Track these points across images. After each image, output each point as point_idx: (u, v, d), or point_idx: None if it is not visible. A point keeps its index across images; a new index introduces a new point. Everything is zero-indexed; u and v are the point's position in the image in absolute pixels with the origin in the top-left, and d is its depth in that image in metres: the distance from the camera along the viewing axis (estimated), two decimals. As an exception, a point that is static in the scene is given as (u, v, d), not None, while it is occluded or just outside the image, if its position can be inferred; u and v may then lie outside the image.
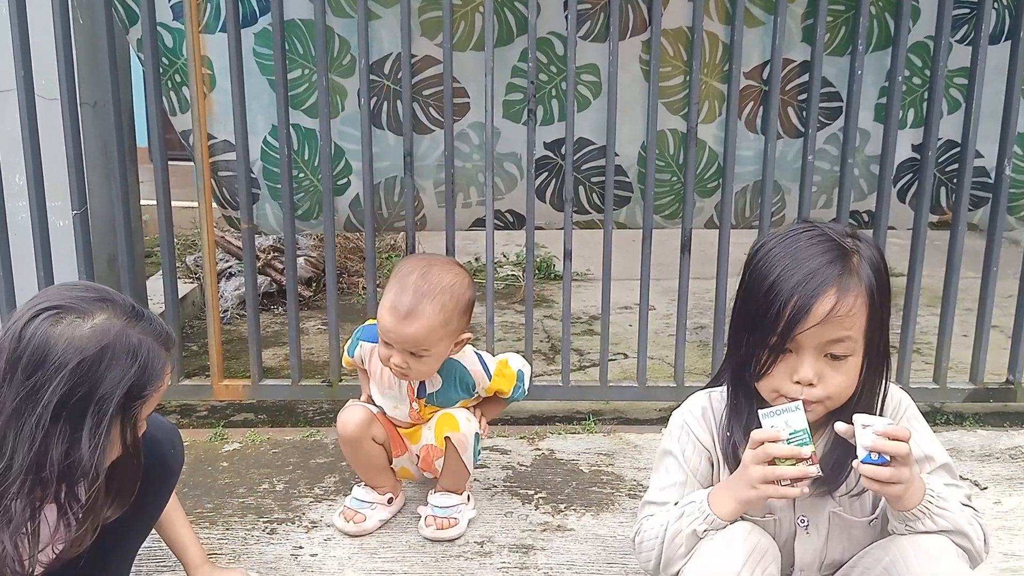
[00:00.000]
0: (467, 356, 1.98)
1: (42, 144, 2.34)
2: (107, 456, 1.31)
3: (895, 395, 1.49)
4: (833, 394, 1.36)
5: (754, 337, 1.36)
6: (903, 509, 1.33)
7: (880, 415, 1.41)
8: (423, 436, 1.99)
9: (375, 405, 2.03)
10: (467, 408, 2.01)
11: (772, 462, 1.32)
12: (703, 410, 1.51)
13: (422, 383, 1.96)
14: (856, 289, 1.32)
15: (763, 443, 1.31)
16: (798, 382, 1.34)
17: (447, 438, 1.93)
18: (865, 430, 1.29)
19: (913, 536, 1.35)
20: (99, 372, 1.25)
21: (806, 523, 1.46)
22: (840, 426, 1.32)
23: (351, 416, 1.97)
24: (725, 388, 1.50)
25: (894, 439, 1.27)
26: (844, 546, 1.46)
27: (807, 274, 1.31)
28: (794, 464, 1.31)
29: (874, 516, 1.45)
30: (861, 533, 1.46)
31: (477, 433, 1.98)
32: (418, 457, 2.00)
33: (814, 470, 1.32)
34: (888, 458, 1.27)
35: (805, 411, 1.33)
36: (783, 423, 1.31)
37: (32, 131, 2.30)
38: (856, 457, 1.29)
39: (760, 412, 1.33)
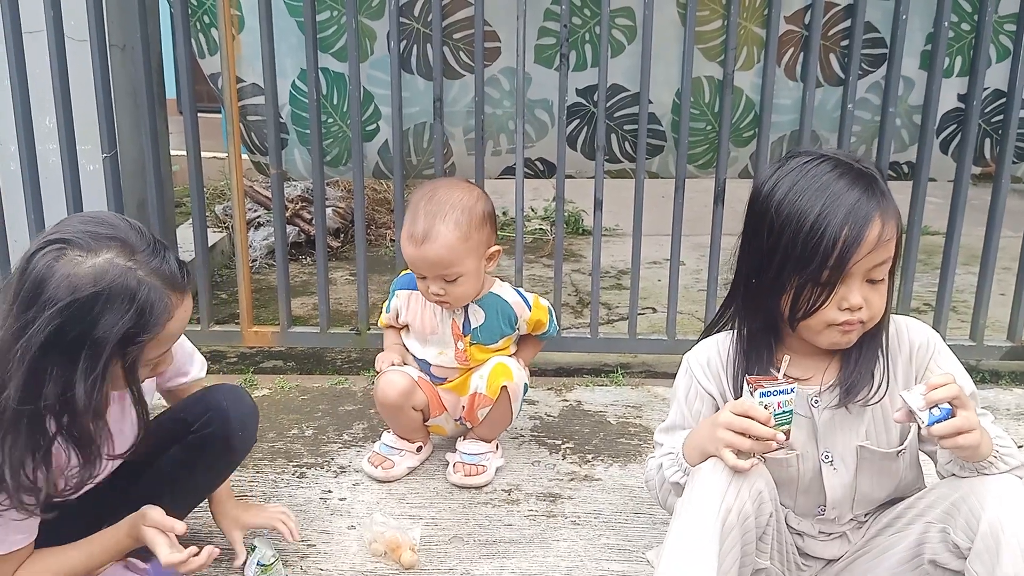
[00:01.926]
0: (505, 289, 2.00)
1: (72, 86, 2.33)
2: (106, 396, 1.30)
3: (923, 332, 1.48)
4: (875, 314, 1.37)
5: (800, 276, 1.33)
6: (978, 460, 1.32)
7: (887, 334, 1.43)
8: (472, 384, 1.97)
9: (410, 367, 2.02)
10: (510, 353, 2.02)
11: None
12: (708, 359, 1.51)
13: (466, 319, 1.96)
14: (892, 211, 1.35)
15: (749, 417, 1.31)
16: (847, 309, 1.34)
17: (504, 387, 1.92)
18: (912, 393, 1.28)
19: (983, 476, 1.34)
20: (92, 315, 1.23)
21: (830, 458, 1.45)
22: (899, 415, 1.32)
23: (393, 384, 1.95)
24: (732, 334, 1.49)
25: (939, 386, 1.27)
26: (874, 481, 1.45)
27: (852, 204, 1.31)
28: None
29: (902, 448, 1.44)
30: (891, 466, 1.45)
31: (526, 383, 1.99)
32: (462, 408, 2.00)
33: (783, 443, 1.33)
34: (951, 408, 1.26)
35: (794, 392, 1.34)
36: (775, 404, 1.31)
37: (62, 73, 2.29)
38: (922, 427, 1.28)
39: (755, 390, 1.32)
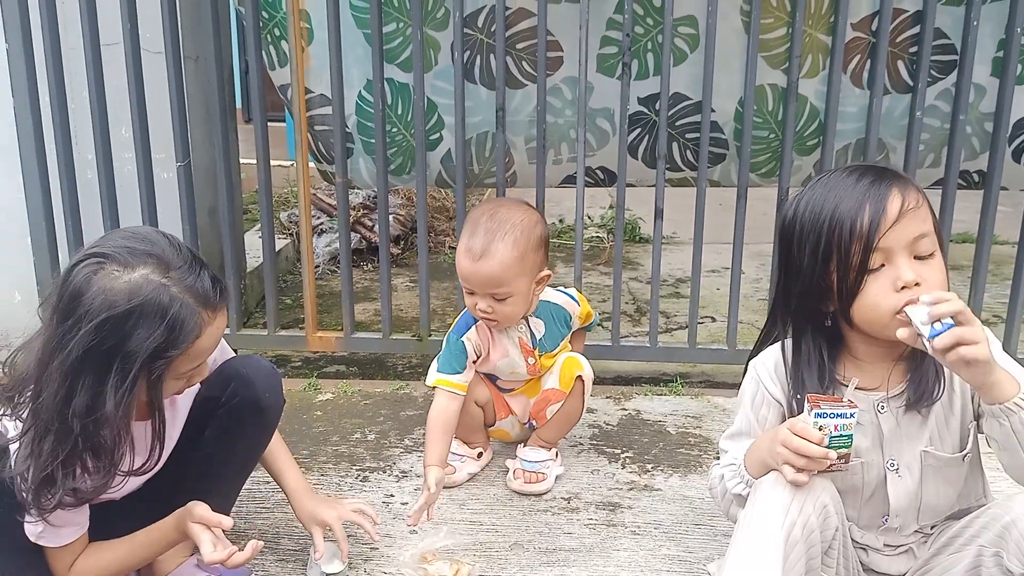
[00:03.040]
0: (550, 294, 2.02)
1: (147, 97, 2.40)
2: (132, 410, 1.32)
3: None
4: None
5: (831, 272, 1.34)
6: (999, 400, 1.26)
7: None
8: (543, 382, 2.02)
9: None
10: (570, 350, 2.06)
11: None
12: (775, 364, 1.50)
13: (531, 333, 1.98)
14: (911, 185, 1.35)
15: (802, 438, 1.30)
16: (904, 287, 1.31)
17: (579, 377, 1.97)
18: (918, 308, 1.27)
19: None
20: (125, 329, 1.26)
21: (896, 466, 1.43)
22: (902, 332, 1.28)
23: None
24: (792, 344, 1.48)
25: (940, 301, 1.24)
26: (940, 488, 1.43)
27: (866, 187, 1.33)
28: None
29: (966, 451, 1.41)
30: (956, 473, 1.42)
31: (592, 377, 2.03)
32: (531, 404, 2.03)
33: (841, 466, 1.32)
34: (952, 322, 1.23)
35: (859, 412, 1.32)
36: (832, 426, 1.30)
37: (138, 84, 2.36)
38: (928, 343, 1.25)
39: (811, 409, 1.30)
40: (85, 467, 1.35)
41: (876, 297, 1.32)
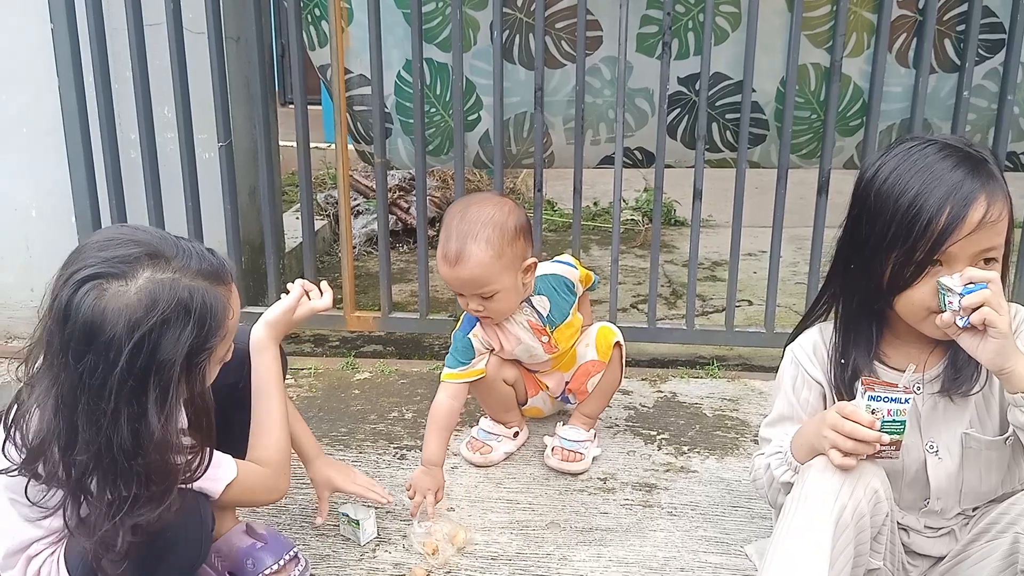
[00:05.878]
0: (545, 266, 1.98)
1: (189, 77, 2.42)
2: (176, 420, 1.25)
3: (1010, 308, 1.41)
4: None
5: (892, 257, 1.31)
6: (1020, 389, 1.26)
7: None
8: (582, 354, 2.02)
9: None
10: (580, 320, 2.05)
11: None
12: (814, 345, 1.49)
13: (536, 312, 1.96)
14: (1000, 193, 1.29)
15: (852, 420, 1.28)
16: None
17: (617, 343, 1.99)
18: (952, 278, 1.27)
19: None
20: (154, 339, 1.18)
21: (935, 448, 1.41)
22: (944, 316, 1.28)
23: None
24: (834, 322, 1.47)
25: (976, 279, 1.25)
26: (981, 472, 1.41)
27: (954, 184, 1.27)
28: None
29: (1008, 434, 1.39)
30: (998, 456, 1.40)
31: None
32: (566, 383, 2.03)
33: (892, 453, 1.30)
34: (985, 286, 1.24)
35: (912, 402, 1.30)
36: (885, 410, 1.28)
37: (180, 64, 2.38)
38: (956, 305, 1.25)
39: (865, 392, 1.29)
40: (144, 499, 1.25)
41: (924, 296, 1.31)
